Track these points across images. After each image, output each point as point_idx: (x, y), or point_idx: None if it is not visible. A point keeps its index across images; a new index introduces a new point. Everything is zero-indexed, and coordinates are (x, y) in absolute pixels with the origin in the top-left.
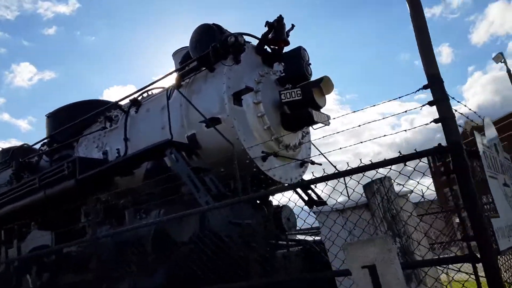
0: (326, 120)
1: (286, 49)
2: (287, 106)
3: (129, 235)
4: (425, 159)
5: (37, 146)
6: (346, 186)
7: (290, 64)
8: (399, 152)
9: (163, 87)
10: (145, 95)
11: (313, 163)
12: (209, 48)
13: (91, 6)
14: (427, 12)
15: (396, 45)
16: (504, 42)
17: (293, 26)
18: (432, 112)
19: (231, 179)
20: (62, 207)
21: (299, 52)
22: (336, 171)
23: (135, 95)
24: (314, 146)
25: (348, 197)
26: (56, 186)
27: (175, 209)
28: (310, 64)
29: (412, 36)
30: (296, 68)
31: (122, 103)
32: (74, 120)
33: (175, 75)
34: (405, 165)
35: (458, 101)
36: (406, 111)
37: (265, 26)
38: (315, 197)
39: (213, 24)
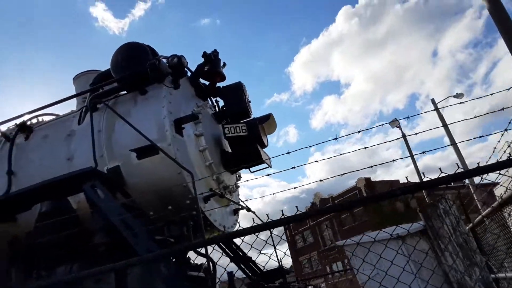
0: (269, 159)
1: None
2: (229, 142)
3: None
4: None
5: None
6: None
7: (231, 98)
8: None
9: (56, 114)
10: (34, 121)
11: (249, 210)
12: (142, 67)
13: None
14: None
15: None
16: (337, 129)
17: (224, 64)
18: None
19: (165, 225)
20: None
21: (241, 87)
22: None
23: (24, 118)
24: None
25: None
26: None
27: (91, 264)
28: (250, 101)
29: None
30: (238, 104)
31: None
32: None
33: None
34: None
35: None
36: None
37: (202, 57)
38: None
39: (144, 44)
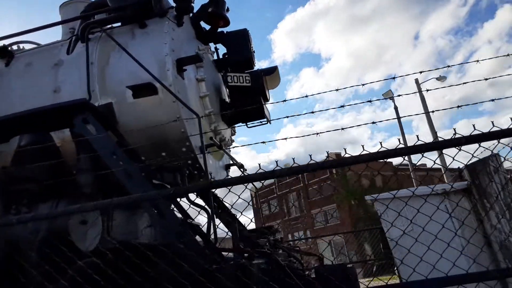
0: (269, 115)
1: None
2: (230, 92)
3: None
4: None
5: None
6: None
7: (235, 46)
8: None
9: (38, 43)
10: (14, 47)
11: (241, 166)
12: None
13: None
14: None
15: None
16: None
17: (228, 8)
18: None
19: (158, 170)
20: None
21: (247, 34)
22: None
23: (4, 42)
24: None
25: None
26: None
27: (77, 203)
28: (254, 51)
29: None
30: (243, 52)
31: None
32: None
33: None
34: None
35: None
36: None
37: None
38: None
39: None
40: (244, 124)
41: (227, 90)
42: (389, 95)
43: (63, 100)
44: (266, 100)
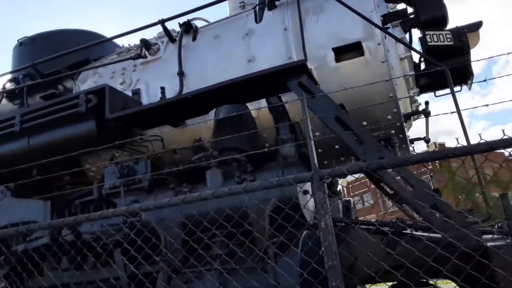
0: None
1: None
2: (425, 53)
3: (213, 206)
4: None
5: None
6: None
7: (425, 2)
8: None
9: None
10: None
11: (428, 141)
12: None
13: None
14: None
15: None
16: None
17: None
18: None
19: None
20: (58, 165)
21: None
22: None
23: (188, 17)
24: None
25: None
26: (55, 131)
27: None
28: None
29: None
30: (435, 8)
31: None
32: (61, 50)
33: None
34: None
35: None
36: None
37: None
38: None
39: None
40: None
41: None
42: None
43: (259, 69)
44: (468, 60)
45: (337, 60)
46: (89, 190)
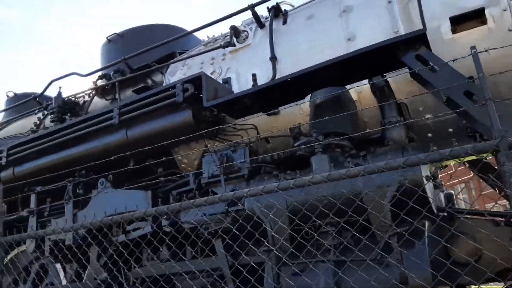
0: None
1: None
2: None
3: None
4: None
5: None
6: None
7: None
8: None
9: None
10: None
11: None
12: None
13: None
14: None
15: None
16: None
17: None
18: None
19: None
20: (153, 157)
21: None
22: None
23: (276, 1)
24: None
25: None
26: (152, 122)
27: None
28: None
29: None
30: None
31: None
32: (149, 45)
33: None
34: None
35: None
36: None
37: None
38: None
39: None
40: None
41: None
42: None
43: (359, 48)
44: None
45: (454, 31)
46: (183, 182)
